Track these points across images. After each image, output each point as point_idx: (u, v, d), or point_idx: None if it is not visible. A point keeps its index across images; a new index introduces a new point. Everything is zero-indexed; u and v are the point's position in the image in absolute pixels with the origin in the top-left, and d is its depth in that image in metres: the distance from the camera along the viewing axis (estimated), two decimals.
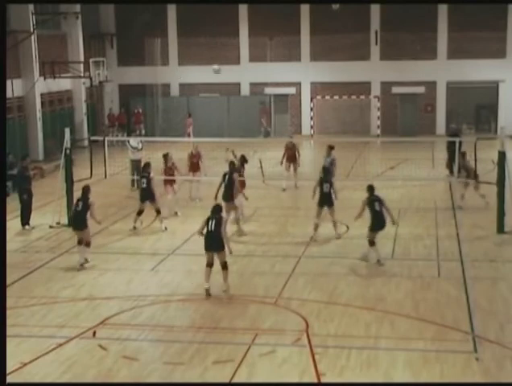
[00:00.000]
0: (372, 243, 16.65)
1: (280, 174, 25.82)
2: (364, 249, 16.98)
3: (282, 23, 39.79)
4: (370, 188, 16.83)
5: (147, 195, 20.06)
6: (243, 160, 21.11)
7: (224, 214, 19.09)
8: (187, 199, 23.55)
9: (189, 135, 37.30)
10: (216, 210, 14.85)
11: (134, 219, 20.14)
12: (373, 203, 16.55)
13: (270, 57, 40.43)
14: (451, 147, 25.10)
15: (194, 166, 23.58)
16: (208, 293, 14.57)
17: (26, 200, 20.78)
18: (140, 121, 39.28)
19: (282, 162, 25.35)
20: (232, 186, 19.25)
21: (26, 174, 21.32)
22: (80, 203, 17.02)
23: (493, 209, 19.53)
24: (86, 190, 17.26)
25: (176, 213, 21.89)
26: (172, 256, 17.87)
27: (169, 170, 21.97)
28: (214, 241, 14.60)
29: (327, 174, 19.19)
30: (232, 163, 19.78)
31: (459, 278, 15.49)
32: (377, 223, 16.53)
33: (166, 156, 22.10)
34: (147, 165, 20.55)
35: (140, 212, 20.11)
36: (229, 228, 18.10)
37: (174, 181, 22.08)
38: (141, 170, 24.67)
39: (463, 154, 22.39)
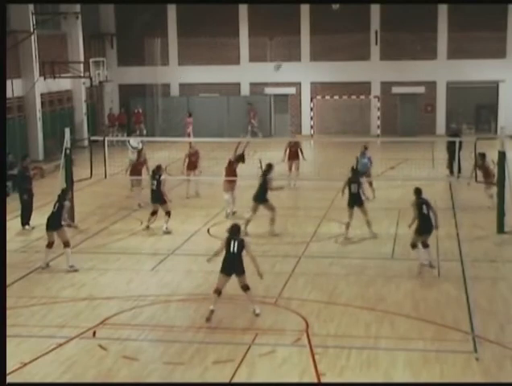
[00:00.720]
0: (414, 245, 16.32)
1: (280, 175, 25.78)
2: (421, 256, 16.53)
3: (282, 23, 39.78)
4: (418, 191, 16.46)
5: (157, 197, 20.03)
6: (241, 159, 21.54)
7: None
8: (185, 199, 23.58)
9: (189, 135, 37.31)
10: (235, 231, 13.67)
11: (148, 218, 20.13)
12: (421, 205, 16.19)
13: (270, 57, 40.42)
14: (451, 147, 25.09)
15: (192, 164, 23.83)
16: (209, 317, 13.31)
17: (27, 200, 20.79)
18: (140, 121, 39.27)
19: (284, 160, 25.64)
20: (265, 187, 19.42)
21: (27, 174, 21.34)
22: (57, 205, 17.01)
23: (493, 209, 19.52)
24: (64, 192, 17.41)
25: (140, 205, 22.69)
26: (172, 256, 17.87)
27: (139, 165, 23.13)
28: (236, 264, 13.40)
29: (355, 175, 19.27)
30: (268, 165, 19.95)
31: (459, 278, 15.49)
32: (424, 226, 16.19)
33: (140, 151, 23.30)
34: (159, 167, 20.46)
35: (154, 212, 20.11)
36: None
37: (140, 175, 23.20)
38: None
39: (483, 155, 22.12)
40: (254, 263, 13.54)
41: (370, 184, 23.55)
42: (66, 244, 16.81)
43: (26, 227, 20.55)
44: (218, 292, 13.42)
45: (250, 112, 39.56)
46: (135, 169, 23.12)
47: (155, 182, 20.03)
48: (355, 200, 18.85)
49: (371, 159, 23.52)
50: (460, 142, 23.32)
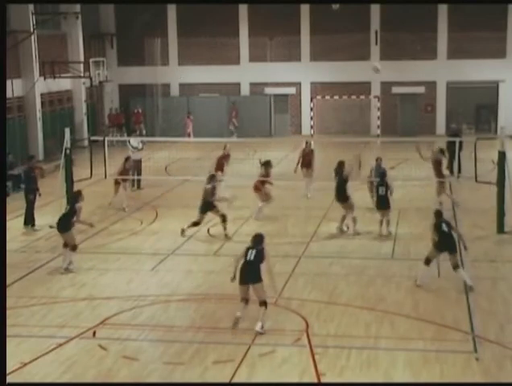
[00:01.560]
0: (428, 261, 15.27)
1: (281, 174, 25.77)
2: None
3: (282, 23, 39.77)
4: (438, 213, 15.58)
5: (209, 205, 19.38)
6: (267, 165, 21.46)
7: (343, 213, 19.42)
8: (186, 198, 23.57)
9: (189, 135, 37.30)
10: (258, 240, 13.02)
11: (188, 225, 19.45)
12: (441, 224, 15.29)
13: (270, 57, 40.42)
14: (451, 147, 25.08)
15: (220, 166, 23.51)
16: (236, 323, 12.86)
17: (31, 200, 20.69)
18: (140, 121, 39.21)
19: (296, 170, 24.17)
20: (344, 186, 19.45)
21: (32, 174, 21.24)
22: (68, 207, 17.03)
23: (493, 209, 19.52)
24: (76, 194, 17.32)
25: (124, 209, 22.54)
26: (172, 256, 17.86)
27: (125, 171, 23.02)
28: (251, 272, 12.71)
29: (382, 178, 19.53)
30: (341, 163, 19.87)
31: (459, 278, 15.48)
32: (444, 243, 15.11)
33: (128, 158, 23.40)
34: (213, 177, 19.77)
35: (197, 223, 19.39)
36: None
37: (126, 180, 23.32)
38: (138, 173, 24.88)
39: (441, 151, 22.52)
40: (270, 275, 12.93)
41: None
42: (72, 248, 16.63)
43: (36, 227, 20.46)
44: (245, 301, 12.87)
45: (233, 111, 39.41)
46: (122, 175, 22.98)
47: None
48: (382, 202, 19.14)
49: (386, 172, 23.20)
50: (461, 142, 23.35)
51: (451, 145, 25.19)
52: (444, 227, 15.23)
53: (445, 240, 15.09)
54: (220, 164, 23.67)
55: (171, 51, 41.31)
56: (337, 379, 11.02)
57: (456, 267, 15.09)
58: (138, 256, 17.89)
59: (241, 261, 12.92)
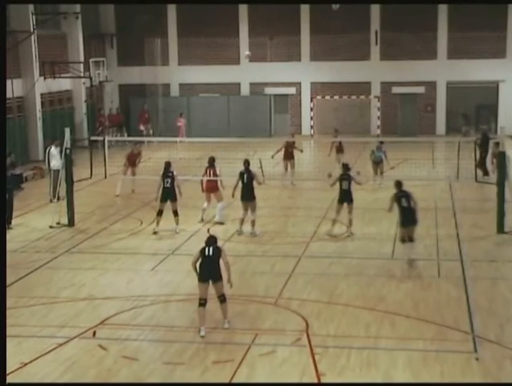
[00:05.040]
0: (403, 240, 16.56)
1: (281, 174, 25.79)
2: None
3: (282, 23, 39.79)
4: (398, 184, 16.73)
5: (170, 194, 19.70)
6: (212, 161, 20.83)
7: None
8: (186, 198, 23.55)
9: (182, 135, 36.96)
10: (211, 242, 13.07)
11: (156, 221, 19.64)
12: (401, 199, 16.42)
13: (270, 57, 40.43)
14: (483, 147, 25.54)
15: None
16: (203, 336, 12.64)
17: (9, 200, 20.30)
18: (148, 120, 39.01)
19: (273, 156, 26.07)
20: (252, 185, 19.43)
21: (9, 173, 20.84)
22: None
23: (493, 209, 19.52)
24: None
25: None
26: (172, 256, 17.86)
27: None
28: (212, 269, 12.83)
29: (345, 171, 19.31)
30: (246, 161, 19.63)
31: (459, 278, 15.49)
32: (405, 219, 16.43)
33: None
34: (169, 164, 20.05)
35: (160, 213, 19.66)
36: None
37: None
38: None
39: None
40: (228, 271, 12.97)
41: (381, 173, 25.30)
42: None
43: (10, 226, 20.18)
44: (203, 303, 12.81)
45: (144, 114, 39.05)
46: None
47: (169, 180, 19.56)
48: (345, 197, 18.96)
49: (386, 153, 24.92)
50: (459, 143, 23.45)
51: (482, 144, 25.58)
52: (404, 203, 16.33)
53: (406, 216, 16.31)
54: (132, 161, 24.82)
55: (171, 51, 41.34)
56: (337, 379, 11.01)
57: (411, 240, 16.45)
58: (138, 256, 17.88)
59: (200, 260, 12.93)
